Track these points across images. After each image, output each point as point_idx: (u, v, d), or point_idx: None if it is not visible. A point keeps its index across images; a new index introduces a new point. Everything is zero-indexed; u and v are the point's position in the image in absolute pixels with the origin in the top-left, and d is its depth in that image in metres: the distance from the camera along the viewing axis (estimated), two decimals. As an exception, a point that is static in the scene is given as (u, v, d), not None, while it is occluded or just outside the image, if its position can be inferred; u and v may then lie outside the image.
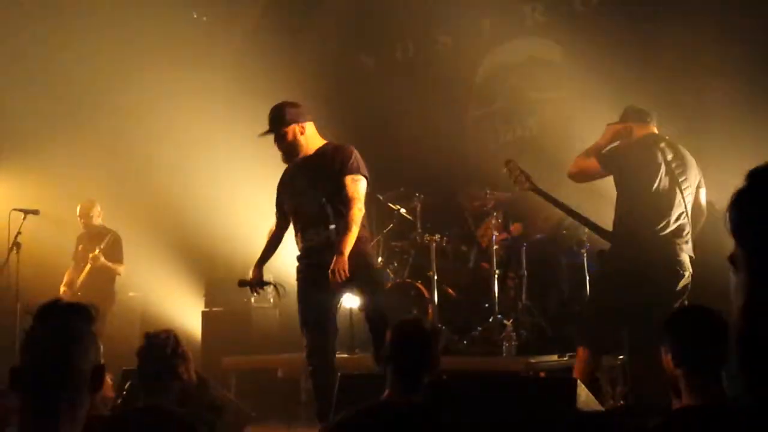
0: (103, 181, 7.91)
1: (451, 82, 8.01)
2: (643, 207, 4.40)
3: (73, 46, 7.87)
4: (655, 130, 4.61)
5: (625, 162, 4.50)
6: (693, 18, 6.41)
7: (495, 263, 5.93)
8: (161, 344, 2.90)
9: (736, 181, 1.24)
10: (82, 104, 8.16)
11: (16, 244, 6.56)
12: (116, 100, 8.17)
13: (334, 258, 3.97)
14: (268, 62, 7.67)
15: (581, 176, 4.76)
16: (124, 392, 3.57)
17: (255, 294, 4.65)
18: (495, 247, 5.97)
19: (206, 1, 8.75)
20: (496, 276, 5.90)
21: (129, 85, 8.00)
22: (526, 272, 6.03)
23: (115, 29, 8.04)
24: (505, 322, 5.67)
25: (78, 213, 7.16)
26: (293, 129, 4.21)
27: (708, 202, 4.91)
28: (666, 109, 6.24)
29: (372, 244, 4.63)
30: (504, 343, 5.46)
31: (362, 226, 4.19)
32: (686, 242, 4.41)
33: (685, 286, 4.36)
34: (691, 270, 4.37)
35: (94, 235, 7.10)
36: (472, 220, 6.87)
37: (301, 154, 4.28)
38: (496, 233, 6.06)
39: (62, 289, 6.99)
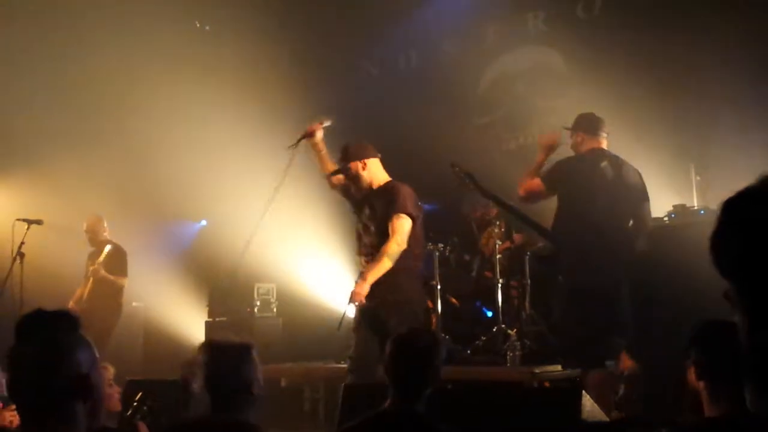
0: (107, 191, 7.92)
1: (455, 90, 8.00)
2: (583, 224, 4.47)
3: (79, 57, 7.90)
4: (603, 144, 4.63)
5: (564, 182, 4.60)
6: (695, 25, 6.41)
7: (498, 272, 5.91)
8: (238, 357, 2.66)
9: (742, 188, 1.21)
10: (87, 113, 8.18)
11: (20, 254, 6.56)
12: (121, 110, 8.19)
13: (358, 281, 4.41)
14: (272, 72, 7.68)
15: (531, 198, 4.82)
16: (135, 403, 3.53)
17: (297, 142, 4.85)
18: (498, 255, 5.95)
19: (210, 11, 8.77)
20: (500, 285, 5.88)
21: (135, 97, 8.01)
22: (529, 281, 6.00)
23: (122, 41, 8.06)
24: (509, 331, 5.64)
25: (84, 228, 7.22)
26: (356, 165, 4.69)
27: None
28: (669, 117, 6.25)
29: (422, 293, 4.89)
30: (508, 352, 5.43)
31: (409, 266, 4.51)
32: (626, 256, 4.45)
33: (627, 297, 4.40)
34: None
35: (100, 250, 7.14)
36: (475, 228, 6.86)
37: (367, 187, 4.73)
38: (498, 242, 6.04)
39: (71, 304, 6.98)
